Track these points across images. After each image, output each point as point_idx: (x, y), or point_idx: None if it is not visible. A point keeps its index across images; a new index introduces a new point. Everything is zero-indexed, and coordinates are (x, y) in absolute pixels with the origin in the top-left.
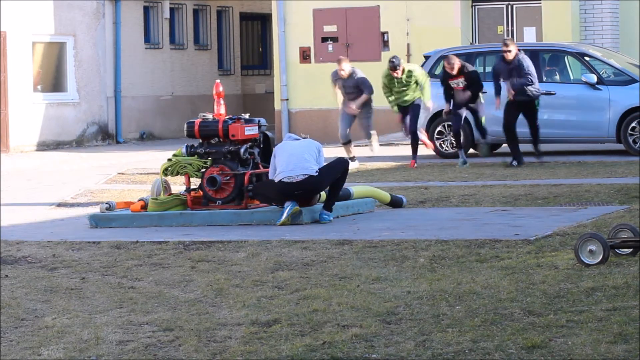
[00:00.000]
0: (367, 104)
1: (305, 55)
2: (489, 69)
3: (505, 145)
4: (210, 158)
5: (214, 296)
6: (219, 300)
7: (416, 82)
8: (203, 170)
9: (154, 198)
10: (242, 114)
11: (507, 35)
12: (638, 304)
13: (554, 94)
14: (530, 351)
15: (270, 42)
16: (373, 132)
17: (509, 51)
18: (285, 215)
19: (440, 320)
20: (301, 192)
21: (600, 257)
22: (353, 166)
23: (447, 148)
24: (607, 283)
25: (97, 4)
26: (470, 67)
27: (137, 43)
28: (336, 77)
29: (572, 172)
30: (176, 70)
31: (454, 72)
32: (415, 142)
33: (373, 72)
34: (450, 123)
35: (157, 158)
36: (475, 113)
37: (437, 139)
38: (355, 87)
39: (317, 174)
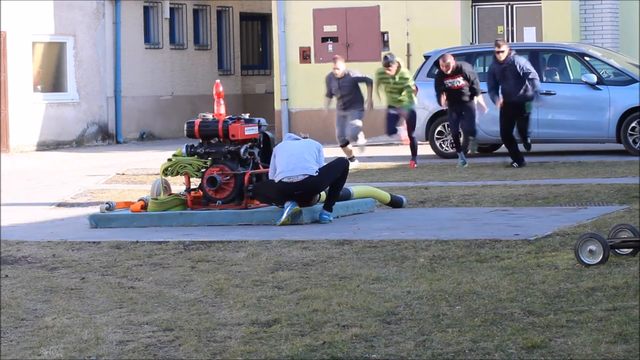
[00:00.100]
0: (359, 104)
1: (305, 55)
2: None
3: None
4: (210, 158)
5: (214, 296)
6: (219, 300)
7: (408, 88)
8: (203, 170)
9: (154, 198)
10: (242, 114)
11: (508, 36)
12: (638, 304)
13: (554, 94)
14: (530, 351)
15: (270, 42)
16: (361, 133)
17: (502, 51)
18: (285, 215)
19: (440, 320)
20: (301, 192)
21: (600, 257)
22: (353, 166)
23: (447, 148)
24: (607, 283)
25: (97, 4)
26: (468, 67)
27: (137, 43)
28: (330, 80)
29: (572, 172)
30: (176, 70)
31: (449, 71)
32: (414, 144)
33: (373, 72)
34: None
35: (157, 158)
36: (470, 115)
37: (437, 139)
38: (352, 87)
39: (317, 174)
